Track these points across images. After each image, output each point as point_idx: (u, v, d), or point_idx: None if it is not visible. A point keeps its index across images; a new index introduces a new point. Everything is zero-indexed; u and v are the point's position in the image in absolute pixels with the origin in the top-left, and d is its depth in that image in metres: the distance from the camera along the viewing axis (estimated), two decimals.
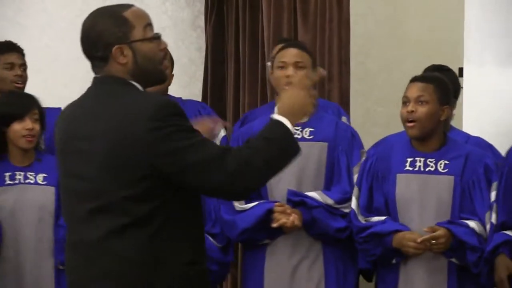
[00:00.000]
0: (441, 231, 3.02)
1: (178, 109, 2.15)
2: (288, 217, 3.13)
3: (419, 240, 3.02)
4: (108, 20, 2.15)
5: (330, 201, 3.23)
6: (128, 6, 2.24)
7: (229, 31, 4.86)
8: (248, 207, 3.22)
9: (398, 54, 4.38)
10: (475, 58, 4.34)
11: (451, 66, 3.86)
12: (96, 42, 2.14)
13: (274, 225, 3.11)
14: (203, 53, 5.09)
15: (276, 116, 2.15)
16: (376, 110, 4.07)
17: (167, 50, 2.55)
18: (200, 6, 5.01)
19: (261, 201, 3.24)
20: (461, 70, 4.30)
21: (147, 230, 2.12)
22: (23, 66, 3.86)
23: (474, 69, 4.34)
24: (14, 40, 4.45)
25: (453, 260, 3.11)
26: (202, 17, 5.02)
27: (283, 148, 2.17)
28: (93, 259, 2.18)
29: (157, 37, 2.22)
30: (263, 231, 3.19)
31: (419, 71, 3.98)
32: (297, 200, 3.18)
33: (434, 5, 4.56)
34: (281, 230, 3.19)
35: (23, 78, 3.83)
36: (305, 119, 3.25)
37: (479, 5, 4.53)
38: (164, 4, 4.98)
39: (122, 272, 2.15)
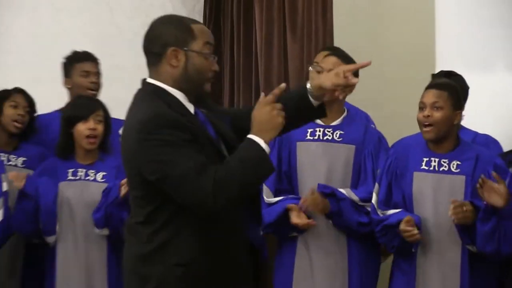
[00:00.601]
0: (466, 202, 3.17)
1: (169, 122, 2.15)
2: (302, 219, 3.27)
3: (452, 206, 3.11)
4: (174, 24, 2.23)
5: (355, 198, 3.38)
6: (197, 21, 2.36)
7: (225, 41, 4.99)
8: (274, 201, 3.38)
9: (377, 62, 4.21)
10: (445, 66, 4.28)
11: (425, 73, 4.06)
12: (156, 38, 2.20)
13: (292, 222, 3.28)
14: None
15: (251, 136, 2.15)
16: None
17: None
18: (199, 18, 5.07)
19: (285, 197, 3.38)
20: (434, 76, 4.28)
21: (147, 229, 2.20)
22: (98, 74, 4.00)
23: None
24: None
25: (470, 247, 3.23)
26: None
27: (256, 168, 2.17)
28: (123, 253, 2.36)
29: (212, 56, 2.25)
30: (288, 226, 3.32)
31: (396, 77, 4.42)
32: (328, 192, 3.31)
33: (408, 18, 4.76)
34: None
35: (97, 85, 3.97)
36: (335, 122, 3.42)
37: (448, 19, 4.54)
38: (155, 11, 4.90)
39: (131, 266, 2.28)
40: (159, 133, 2.11)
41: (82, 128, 3.50)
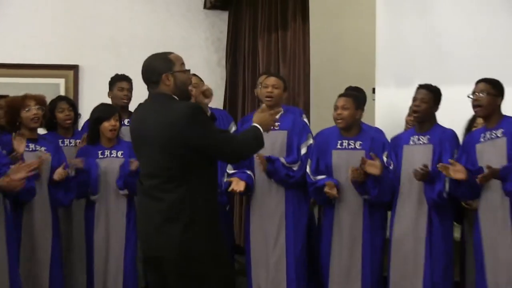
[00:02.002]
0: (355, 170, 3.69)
1: (203, 111, 2.71)
2: (233, 187, 3.96)
3: (351, 170, 3.70)
4: (159, 59, 2.75)
5: (284, 161, 4.00)
6: (170, 52, 2.80)
7: (238, 68, 5.80)
8: (231, 172, 4.09)
9: (337, 80, 5.31)
10: (382, 83, 5.23)
11: (369, 87, 4.87)
12: (152, 72, 2.72)
13: (228, 190, 3.99)
14: (224, 81, 6.01)
15: (255, 124, 2.81)
16: (324, 113, 4.62)
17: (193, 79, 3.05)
18: (223, 52, 6.07)
19: (238, 171, 4.04)
20: (374, 89, 5.21)
21: (180, 184, 2.67)
22: (130, 89, 4.55)
23: (382, 90, 5.22)
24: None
25: (366, 196, 3.83)
26: (224, 59, 6.02)
27: (257, 141, 2.82)
28: (149, 201, 2.76)
29: (188, 71, 2.77)
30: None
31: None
32: (267, 157, 3.93)
33: (357, 51, 5.66)
34: (251, 186, 4.03)
35: (128, 97, 4.56)
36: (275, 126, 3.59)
37: (384, 52, 5.30)
38: (202, 52, 6.01)
39: (167, 209, 2.69)
40: (200, 118, 2.67)
41: (107, 125, 4.07)
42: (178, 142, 2.66)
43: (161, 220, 2.74)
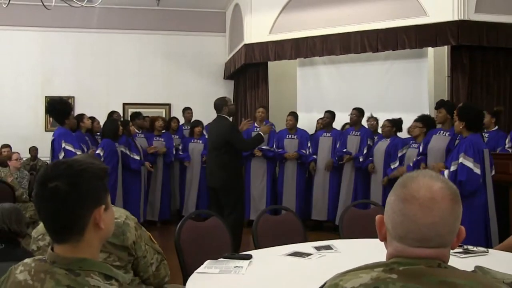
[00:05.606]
0: (294, 153, 6.61)
1: (235, 123, 5.94)
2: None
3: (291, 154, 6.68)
4: (224, 100, 5.17)
5: (268, 147, 6.84)
6: (226, 96, 5.31)
7: (237, 108, 8.10)
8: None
9: (281, 110, 7.85)
10: (300, 110, 7.93)
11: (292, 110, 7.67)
12: (223, 105, 5.13)
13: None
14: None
15: (259, 132, 5.25)
16: (277, 125, 7.38)
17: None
18: (230, 94, 8.66)
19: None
20: (297, 114, 7.30)
21: (225, 153, 5.10)
22: (191, 113, 7.66)
23: (300, 113, 7.57)
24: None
25: (299, 161, 6.78)
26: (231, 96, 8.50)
27: (257, 141, 5.38)
28: (212, 161, 5.20)
29: (233, 104, 5.22)
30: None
31: (283, 116, 7.52)
32: (259, 148, 6.59)
33: (289, 96, 8.44)
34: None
35: (191, 117, 7.56)
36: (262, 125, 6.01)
37: (301, 95, 8.15)
38: (217, 93, 8.02)
39: (220, 164, 5.19)
40: (234, 128, 5.12)
41: (197, 130, 7.24)
42: (223, 139, 4.91)
43: (217, 168, 4.93)
